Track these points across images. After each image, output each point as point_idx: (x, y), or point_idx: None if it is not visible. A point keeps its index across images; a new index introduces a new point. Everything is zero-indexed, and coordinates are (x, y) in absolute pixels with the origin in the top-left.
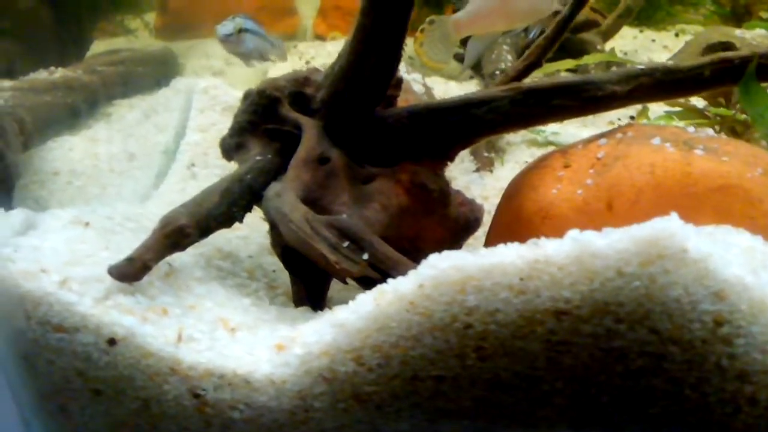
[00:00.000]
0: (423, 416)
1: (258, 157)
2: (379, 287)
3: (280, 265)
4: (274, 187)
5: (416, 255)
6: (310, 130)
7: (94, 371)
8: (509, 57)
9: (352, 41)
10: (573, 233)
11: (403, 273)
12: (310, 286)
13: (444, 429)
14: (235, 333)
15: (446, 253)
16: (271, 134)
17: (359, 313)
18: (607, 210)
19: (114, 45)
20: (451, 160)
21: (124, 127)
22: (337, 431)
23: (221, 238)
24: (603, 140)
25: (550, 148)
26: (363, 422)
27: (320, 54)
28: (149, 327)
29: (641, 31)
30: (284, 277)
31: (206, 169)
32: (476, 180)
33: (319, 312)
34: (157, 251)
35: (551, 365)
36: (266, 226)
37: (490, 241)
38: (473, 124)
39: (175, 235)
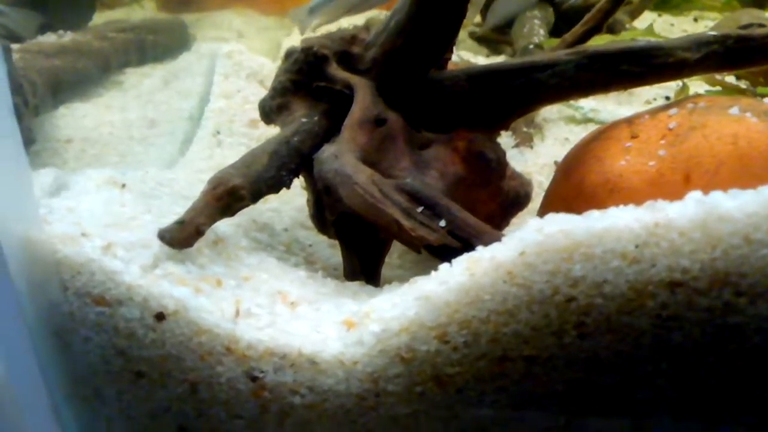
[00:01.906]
0: (508, 401)
1: (303, 119)
2: (473, 255)
3: (316, 239)
4: (328, 149)
5: None
6: (363, 90)
7: (137, 350)
8: (542, 31)
9: None
10: (695, 195)
11: (488, 242)
12: (364, 259)
13: (530, 416)
14: (295, 308)
15: (552, 215)
16: (318, 94)
17: (449, 285)
18: (685, 182)
19: (117, 15)
20: (507, 128)
21: (141, 94)
22: (410, 418)
23: (253, 209)
24: (673, 110)
25: (590, 126)
26: (440, 408)
27: (331, 28)
28: (203, 299)
29: (659, 15)
30: (321, 252)
31: (232, 138)
32: (516, 156)
33: (387, 286)
34: (209, 215)
35: (658, 343)
36: (297, 199)
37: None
38: (536, 89)
39: (228, 198)
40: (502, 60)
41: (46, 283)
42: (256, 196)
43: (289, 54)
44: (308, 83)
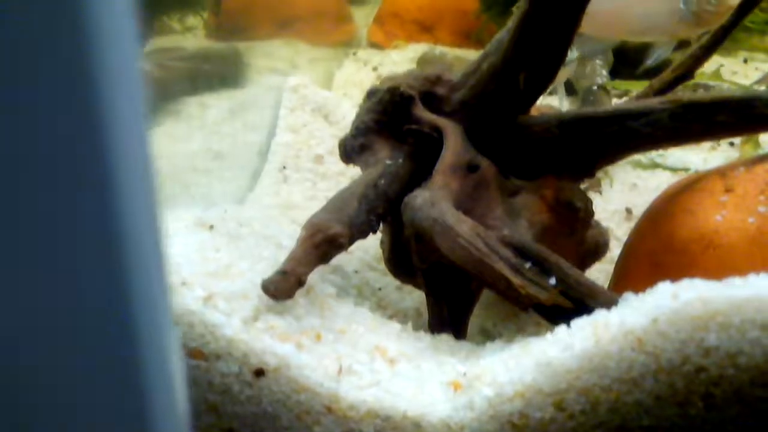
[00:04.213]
0: None
1: (388, 161)
2: (599, 320)
3: (384, 281)
4: (421, 195)
5: None
6: (452, 133)
7: (230, 406)
8: (604, 72)
9: (513, 35)
10: None
11: (604, 303)
12: (453, 310)
13: None
14: (395, 365)
15: (687, 281)
16: (402, 136)
17: (573, 350)
18: None
19: (169, 42)
20: (593, 175)
21: (205, 124)
22: None
23: None
24: None
25: (658, 171)
26: None
27: (385, 62)
28: (305, 356)
29: None
30: (390, 295)
31: (298, 173)
32: None
33: (489, 344)
34: (308, 264)
35: None
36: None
37: (627, 271)
38: (628, 137)
39: (327, 246)
40: (589, 108)
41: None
42: (350, 243)
43: (372, 93)
44: (392, 124)
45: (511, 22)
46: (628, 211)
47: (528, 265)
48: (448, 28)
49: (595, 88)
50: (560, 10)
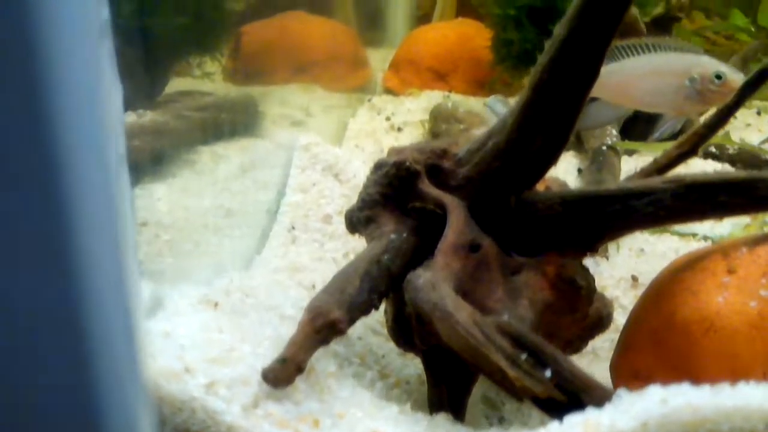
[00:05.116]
0: None
1: (392, 236)
2: (590, 419)
3: (387, 347)
4: (423, 275)
5: None
6: (455, 210)
7: None
8: (614, 132)
9: (518, 118)
10: None
11: (597, 399)
12: (452, 391)
13: None
14: None
15: (676, 387)
16: (407, 209)
17: None
18: None
19: (189, 86)
20: (595, 252)
21: (217, 180)
22: None
23: None
24: None
25: (665, 236)
26: None
27: (399, 110)
28: None
29: None
30: (393, 362)
31: (306, 234)
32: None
33: (483, 431)
34: (308, 349)
35: None
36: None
37: (630, 344)
38: (630, 216)
39: (327, 331)
40: (598, 186)
41: (141, 416)
42: (350, 325)
43: (379, 166)
44: (398, 197)
45: (515, 105)
46: (634, 278)
47: (524, 355)
48: (463, 77)
49: (604, 148)
50: (562, 100)
